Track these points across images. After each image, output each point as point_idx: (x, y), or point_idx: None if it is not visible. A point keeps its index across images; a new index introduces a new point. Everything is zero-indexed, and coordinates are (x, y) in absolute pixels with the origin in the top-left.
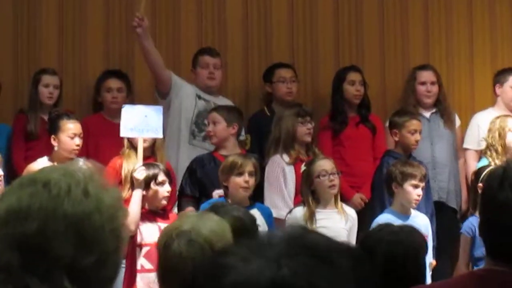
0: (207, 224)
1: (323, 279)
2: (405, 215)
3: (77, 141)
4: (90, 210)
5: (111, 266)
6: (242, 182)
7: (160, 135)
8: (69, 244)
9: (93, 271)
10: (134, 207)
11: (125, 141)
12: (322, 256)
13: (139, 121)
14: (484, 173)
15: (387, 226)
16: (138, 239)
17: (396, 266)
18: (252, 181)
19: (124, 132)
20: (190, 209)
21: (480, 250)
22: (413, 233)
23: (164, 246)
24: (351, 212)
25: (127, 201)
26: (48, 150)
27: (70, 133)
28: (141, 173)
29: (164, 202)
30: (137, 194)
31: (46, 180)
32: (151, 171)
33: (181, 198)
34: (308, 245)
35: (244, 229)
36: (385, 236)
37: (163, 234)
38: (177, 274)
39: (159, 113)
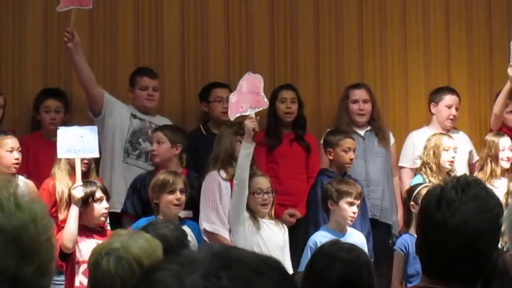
0: (138, 242)
1: None
2: (341, 232)
3: (16, 155)
4: (25, 222)
5: (49, 275)
6: (173, 199)
7: (96, 155)
8: (10, 257)
9: (34, 281)
10: (72, 225)
11: (59, 162)
12: (254, 268)
13: (75, 142)
14: (416, 191)
15: (338, 243)
16: (77, 256)
17: (351, 284)
18: (183, 198)
19: (61, 154)
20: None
21: (413, 268)
22: (364, 251)
23: (93, 264)
24: (283, 224)
25: (65, 221)
26: None
27: (8, 147)
28: (79, 191)
29: (102, 219)
30: (74, 211)
31: None
32: (89, 188)
33: (123, 217)
34: (237, 258)
35: (174, 246)
36: (341, 254)
37: (93, 253)
38: None
39: (94, 133)
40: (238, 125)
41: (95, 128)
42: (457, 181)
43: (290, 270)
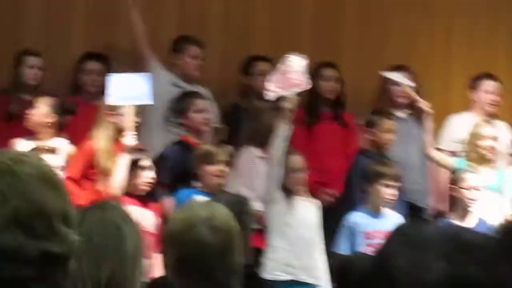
0: (222, 211)
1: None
2: (378, 213)
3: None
4: (50, 167)
5: None
6: (216, 171)
7: (149, 101)
8: (56, 197)
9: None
10: (120, 173)
11: (101, 124)
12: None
13: (127, 89)
14: (459, 176)
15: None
16: None
17: None
18: (226, 170)
19: (112, 100)
20: (169, 200)
21: None
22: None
23: (183, 232)
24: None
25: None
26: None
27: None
28: (131, 139)
29: (145, 187)
30: (125, 160)
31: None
32: (137, 155)
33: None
34: (470, 241)
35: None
36: None
37: (177, 221)
38: (199, 261)
39: (146, 79)
40: (278, 101)
41: (148, 75)
42: None
43: (323, 249)
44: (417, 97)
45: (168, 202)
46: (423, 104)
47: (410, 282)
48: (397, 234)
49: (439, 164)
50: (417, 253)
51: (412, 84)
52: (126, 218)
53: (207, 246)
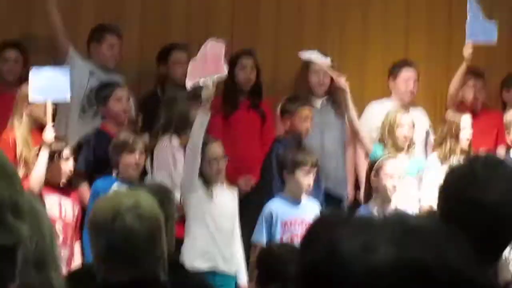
0: (147, 199)
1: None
2: (296, 201)
3: None
4: (2, 155)
5: None
6: (133, 159)
7: (67, 99)
8: (7, 186)
9: (25, 205)
10: (40, 168)
11: (19, 113)
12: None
13: (46, 84)
14: (377, 164)
15: None
16: None
17: None
18: (142, 159)
19: (32, 98)
20: (85, 188)
21: None
22: None
23: (110, 220)
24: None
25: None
26: None
27: None
28: (50, 134)
29: (64, 179)
30: (44, 155)
31: None
32: (58, 145)
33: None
34: (416, 225)
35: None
36: None
37: (104, 210)
38: (125, 248)
39: (66, 74)
40: (194, 89)
41: (67, 69)
42: (486, 159)
43: (240, 238)
44: (335, 74)
45: (84, 190)
46: (341, 81)
47: (360, 266)
48: (340, 219)
49: (362, 142)
50: (366, 237)
51: (329, 61)
52: (36, 199)
53: (133, 234)
